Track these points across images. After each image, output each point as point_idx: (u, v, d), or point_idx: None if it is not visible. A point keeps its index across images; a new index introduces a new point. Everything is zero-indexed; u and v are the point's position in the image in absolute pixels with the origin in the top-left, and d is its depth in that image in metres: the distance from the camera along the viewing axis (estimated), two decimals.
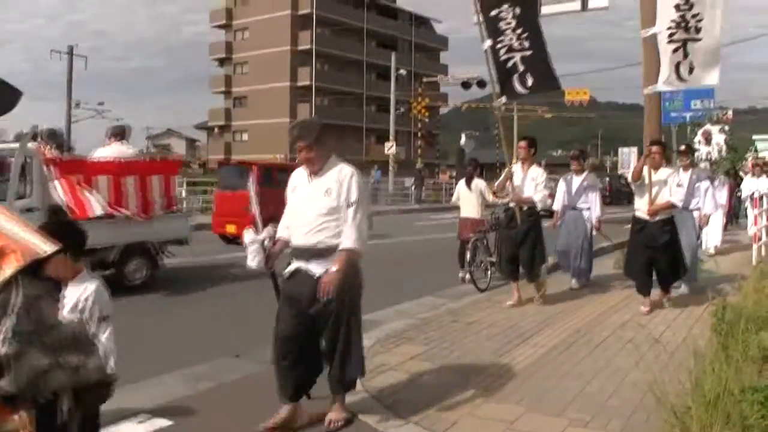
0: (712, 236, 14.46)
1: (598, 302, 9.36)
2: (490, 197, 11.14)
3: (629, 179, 9.19)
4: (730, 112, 52.24)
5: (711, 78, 8.40)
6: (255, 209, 5.13)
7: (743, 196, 18.50)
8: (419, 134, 44.88)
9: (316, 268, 4.72)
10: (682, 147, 11.24)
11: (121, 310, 9.51)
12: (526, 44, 9.18)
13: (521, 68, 9.22)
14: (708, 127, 17.08)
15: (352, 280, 4.77)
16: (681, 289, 9.86)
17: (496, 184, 9.58)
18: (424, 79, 49.04)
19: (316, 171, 4.78)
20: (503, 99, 9.59)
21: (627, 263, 9.14)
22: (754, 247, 13.23)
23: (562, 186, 10.87)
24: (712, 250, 14.12)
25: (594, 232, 10.76)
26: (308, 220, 4.73)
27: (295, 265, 4.86)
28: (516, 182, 8.99)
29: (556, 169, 76.79)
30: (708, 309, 7.06)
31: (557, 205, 10.79)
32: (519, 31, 9.17)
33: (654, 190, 8.47)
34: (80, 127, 58.97)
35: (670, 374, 5.27)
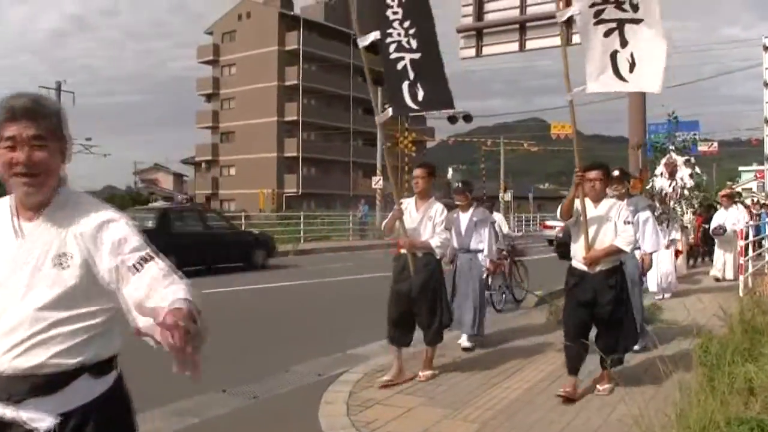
0: (665, 279, 12.70)
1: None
2: (505, 229, 12.35)
3: (558, 216, 6.68)
4: (715, 144, 52.68)
5: (654, 81, 6.47)
6: None
7: (711, 228, 16.88)
8: (406, 168, 45.01)
9: (38, 416, 2.19)
10: (615, 172, 8.84)
11: None
12: (414, 44, 7.08)
13: (411, 75, 7.11)
14: (673, 156, 13.89)
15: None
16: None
17: (383, 223, 7.40)
18: (411, 114, 49.32)
19: (37, 205, 2.32)
20: (389, 112, 7.51)
21: (564, 327, 6.66)
22: (741, 278, 13.25)
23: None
24: (666, 295, 12.56)
25: (486, 276, 9.26)
26: (18, 317, 2.19)
27: None
28: (409, 222, 7.02)
29: (543, 202, 77.38)
30: (694, 342, 7.08)
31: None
32: (406, 24, 7.07)
33: (592, 230, 6.33)
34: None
35: (656, 407, 5.27)
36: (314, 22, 68.50)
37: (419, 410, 5.96)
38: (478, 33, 16.23)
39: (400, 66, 7.11)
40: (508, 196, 58.53)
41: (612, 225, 6.33)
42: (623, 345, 6.45)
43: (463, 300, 8.67)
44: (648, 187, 13.61)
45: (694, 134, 15.28)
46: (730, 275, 15.81)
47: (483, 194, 51.36)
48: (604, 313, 6.26)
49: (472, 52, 16.35)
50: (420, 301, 6.93)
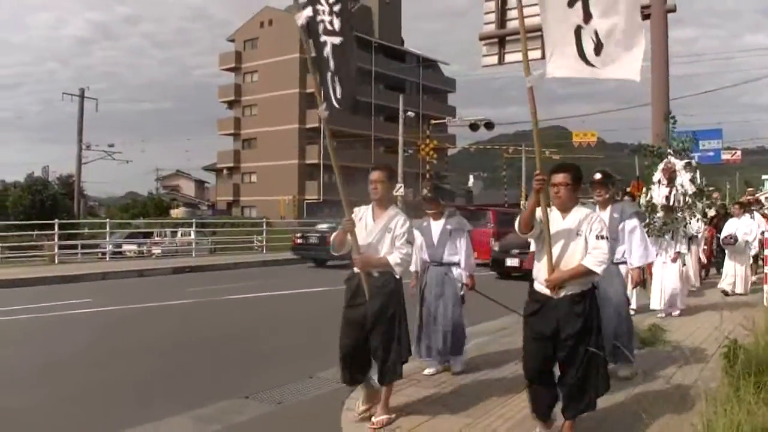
0: (672, 296, 11.77)
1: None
2: None
3: (517, 230, 5.44)
4: (738, 152, 52.33)
5: (628, 68, 5.11)
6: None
7: (722, 238, 15.75)
8: (428, 176, 45.00)
9: None
10: (597, 175, 7.70)
11: (130, 348, 9.57)
12: (336, 25, 5.80)
13: (332, 64, 5.88)
14: (672, 160, 12.02)
15: None
16: (619, 371, 7.14)
17: (332, 237, 6.17)
18: (432, 121, 49.39)
19: None
20: (324, 110, 5.97)
21: (523, 362, 5.36)
22: (765, 288, 13.08)
23: (418, 237, 7.49)
24: (674, 313, 11.72)
25: (463, 294, 7.72)
26: None
27: None
28: (364, 236, 5.92)
29: None
30: (719, 350, 7.01)
31: (413, 264, 7.33)
32: (332, 0, 5.77)
33: (558, 246, 5.18)
34: (90, 168, 59.53)
35: (682, 417, 5.23)
36: None
37: (440, 419, 5.93)
38: (501, 41, 16.22)
39: (325, 52, 5.92)
40: None
41: (582, 240, 5.14)
42: (592, 391, 5.14)
43: (433, 322, 7.55)
44: (647, 197, 12.39)
45: (693, 135, 12.62)
46: (740, 289, 14.90)
47: (505, 201, 51.41)
48: (567, 348, 5.04)
49: (495, 59, 16.34)
50: (376, 331, 5.74)
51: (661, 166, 12.01)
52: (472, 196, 73.83)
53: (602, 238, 5.08)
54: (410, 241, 5.96)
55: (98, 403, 6.96)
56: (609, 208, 7.66)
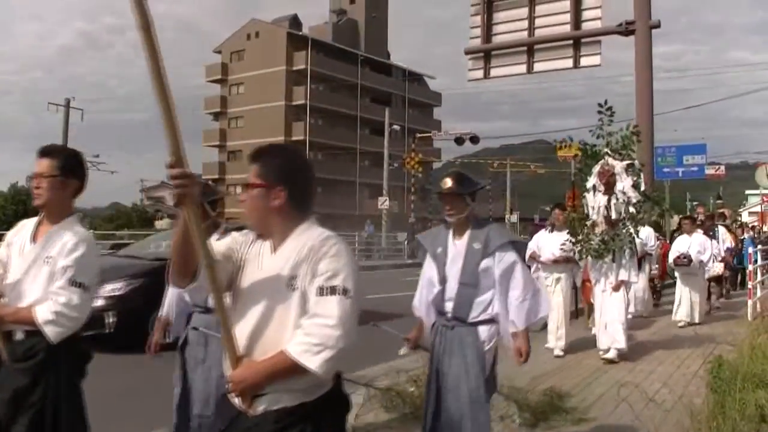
0: (616, 331, 9.13)
1: (589, 361, 9.20)
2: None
3: (170, 280, 2.73)
4: (722, 168, 52.56)
5: None
6: None
7: (672, 258, 13.19)
8: (412, 189, 45.04)
9: None
10: (446, 181, 4.58)
11: (112, 360, 9.46)
12: None
13: None
14: (610, 162, 9.39)
15: None
16: None
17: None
18: (418, 135, 49.52)
19: None
20: None
21: None
22: (749, 303, 13.12)
23: None
24: (620, 350, 9.12)
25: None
26: None
27: None
28: (14, 267, 3.52)
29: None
30: (704, 367, 7.01)
31: (167, 305, 4.99)
32: None
33: (251, 313, 2.57)
34: None
35: None
36: (322, 42, 68.90)
37: None
38: (487, 55, 16.33)
39: None
40: (514, 218, 58.54)
41: (297, 297, 2.54)
42: None
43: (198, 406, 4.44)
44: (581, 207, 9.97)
45: (635, 127, 9.63)
46: (696, 318, 12.51)
47: (489, 216, 51.48)
48: None
49: (480, 73, 16.46)
50: (13, 430, 3.30)
51: (596, 168, 9.50)
52: None
53: (335, 293, 2.48)
54: (80, 283, 3.41)
55: None
56: (467, 235, 4.48)
